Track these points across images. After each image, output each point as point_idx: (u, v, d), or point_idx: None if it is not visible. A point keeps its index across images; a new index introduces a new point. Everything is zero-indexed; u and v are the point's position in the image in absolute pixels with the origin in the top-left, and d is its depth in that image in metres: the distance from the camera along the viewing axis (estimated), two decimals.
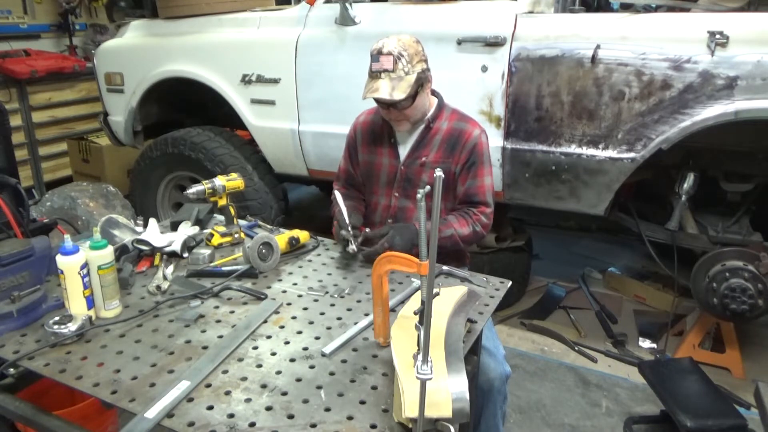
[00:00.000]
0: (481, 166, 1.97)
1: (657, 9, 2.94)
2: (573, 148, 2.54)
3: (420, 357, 1.01)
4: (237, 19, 3.36)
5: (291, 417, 1.16)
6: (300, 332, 1.48)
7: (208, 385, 1.26)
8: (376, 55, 1.83)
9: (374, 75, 1.85)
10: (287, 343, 1.43)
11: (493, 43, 2.59)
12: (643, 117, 2.38)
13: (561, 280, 3.64)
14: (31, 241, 1.61)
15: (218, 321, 1.53)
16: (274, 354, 1.38)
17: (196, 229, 2.05)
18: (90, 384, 1.26)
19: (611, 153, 2.47)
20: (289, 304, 1.62)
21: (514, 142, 2.65)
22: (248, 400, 1.21)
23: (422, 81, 1.87)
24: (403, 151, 2.03)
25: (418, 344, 1.12)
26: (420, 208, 1.15)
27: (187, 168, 3.48)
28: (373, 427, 1.14)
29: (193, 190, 1.98)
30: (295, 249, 1.96)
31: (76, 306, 1.48)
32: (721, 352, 2.85)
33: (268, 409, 1.19)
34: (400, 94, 1.81)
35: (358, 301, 1.64)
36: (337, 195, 1.97)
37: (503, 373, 1.85)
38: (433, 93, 2.05)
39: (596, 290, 3.55)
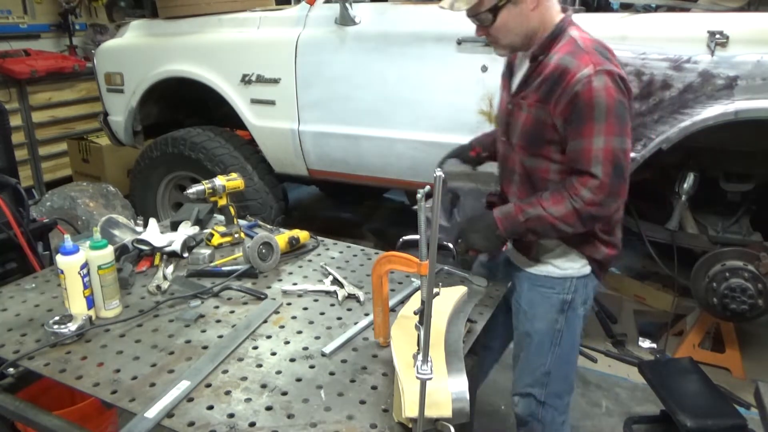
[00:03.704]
0: (588, 122, 1.43)
1: (657, 9, 2.93)
2: None
3: (420, 357, 1.01)
4: (237, 19, 3.36)
5: (291, 417, 1.17)
6: (300, 332, 1.48)
7: (208, 385, 1.26)
8: None
9: None
10: (287, 342, 1.43)
11: None
12: (643, 117, 2.38)
13: None
14: None
15: (218, 321, 1.53)
16: (274, 354, 1.38)
17: (196, 229, 2.05)
18: (90, 384, 1.26)
19: None
20: (289, 304, 1.62)
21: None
22: (248, 400, 1.21)
23: None
24: (514, 87, 1.65)
25: (418, 344, 1.12)
26: (420, 208, 1.15)
27: (187, 168, 3.48)
28: (373, 427, 1.14)
29: (193, 190, 1.98)
30: (295, 249, 1.96)
31: (76, 306, 1.48)
32: (721, 352, 2.85)
33: (268, 409, 1.19)
34: (462, 5, 1.47)
35: (358, 301, 1.64)
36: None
37: None
38: (564, 10, 1.57)
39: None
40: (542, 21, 1.52)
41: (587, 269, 1.67)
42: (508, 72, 1.71)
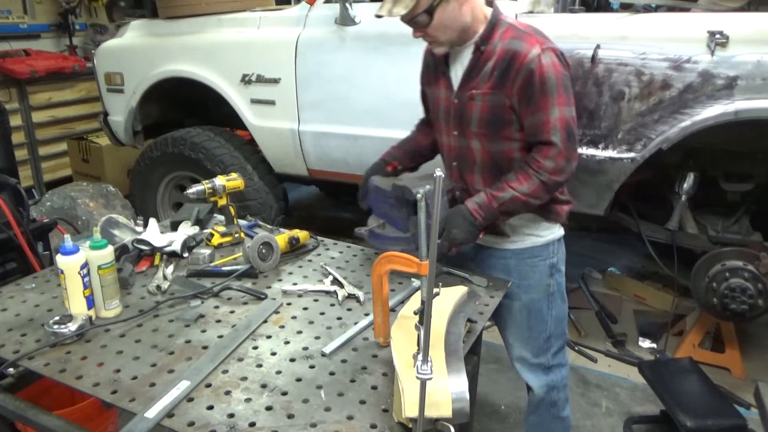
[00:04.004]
0: (543, 97, 1.55)
1: (657, 9, 2.93)
2: None
3: (420, 357, 1.01)
4: (237, 19, 3.36)
5: (291, 417, 1.17)
6: (300, 332, 1.48)
7: (208, 385, 1.26)
8: None
9: None
10: (287, 342, 1.43)
11: None
12: (643, 117, 2.38)
13: None
14: None
15: (218, 321, 1.53)
16: (274, 354, 1.38)
17: (196, 229, 2.05)
18: (90, 384, 1.26)
19: (611, 153, 2.47)
20: (289, 304, 1.62)
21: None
22: (248, 400, 1.21)
23: None
24: (456, 81, 1.70)
25: (418, 344, 1.12)
26: (420, 208, 1.15)
27: (187, 168, 3.48)
28: (373, 427, 1.14)
29: (193, 190, 1.98)
30: (295, 249, 1.96)
31: (76, 306, 1.48)
32: (721, 352, 2.85)
33: (268, 408, 1.19)
34: (401, 10, 1.51)
35: (358, 301, 1.64)
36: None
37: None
38: (489, 4, 1.67)
39: (596, 290, 3.55)
40: (474, 14, 1.61)
41: (561, 230, 1.86)
42: (440, 69, 1.74)
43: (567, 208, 1.83)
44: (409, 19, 1.56)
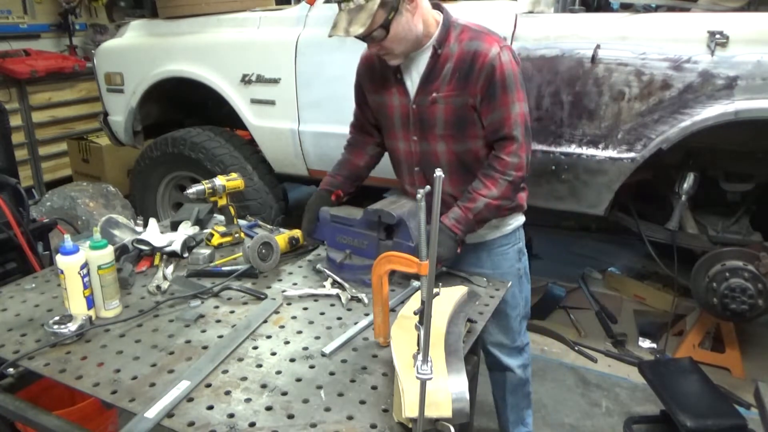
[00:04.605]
0: (504, 93, 1.61)
1: (657, 9, 2.94)
2: (573, 148, 2.53)
3: (420, 357, 1.01)
4: (237, 19, 3.36)
5: (291, 417, 1.16)
6: (300, 332, 1.48)
7: (208, 385, 1.26)
8: None
9: (338, 6, 1.57)
10: (287, 342, 1.43)
11: None
12: (643, 117, 2.38)
13: (561, 280, 3.63)
14: None
15: (218, 321, 1.53)
16: (274, 354, 1.38)
17: (196, 229, 2.05)
18: (90, 384, 1.26)
19: (611, 153, 2.47)
20: (289, 304, 1.62)
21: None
22: (248, 400, 1.21)
23: (394, 4, 1.53)
24: (412, 87, 1.72)
25: (418, 344, 1.12)
26: (420, 207, 1.15)
27: (187, 168, 3.48)
28: (373, 427, 1.14)
29: (193, 190, 1.98)
30: (295, 249, 1.96)
31: (76, 306, 1.48)
32: (721, 352, 2.85)
33: (268, 409, 1.19)
34: (357, 29, 1.52)
35: (358, 301, 1.64)
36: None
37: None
38: (437, 8, 1.70)
39: (596, 290, 3.55)
40: (425, 20, 1.64)
41: (523, 216, 1.95)
42: (390, 77, 1.75)
43: (525, 195, 1.92)
44: (365, 35, 1.57)
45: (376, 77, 1.81)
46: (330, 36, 1.60)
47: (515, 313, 1.97)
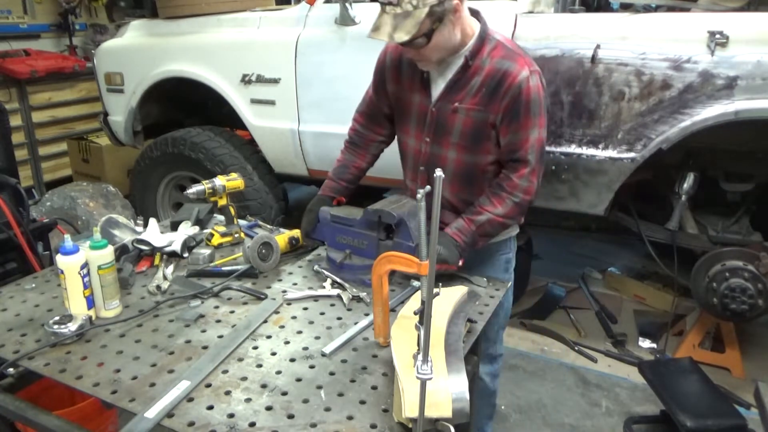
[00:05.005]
0: (527, 117, 1.61)
1: (657, 9, 2.94)
2: (573, 148, 2.53)
3: (420, 357, 1.01)
4: (237, 19, 3.36)
5: (291, 417, 1.16)
6: (300, 332, 1.48)
7: (208, 385, 1.26)
8: None
9: (381, 8, 1.53)
10: (287, 342, 1.43)
11: None
12: (643, 117, 2.38)
13: (561, 280, 3.63)
14: None
15: (218, 321, 1.53)
16: (274, 354, 1.38)
17: (196, 229, 2.05)
18: (90, 384, 1.26)
19: (611, 153, 2.47)
20: (289, 304, 1.62)
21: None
22: (248, 400, 1.21)
23: (440, 15, 1.52)
24: (436, 91, 1.71)
25: (418, 344, 1.12)
26: (420, 207, 1.15)
27: (187, 168, 3.48)
28: (373, 427, 1.14)
29: (193, 190, 1.98)
30: (295, 249, 1.96)
31: (76, 306, 1.48)
32: (721, 352, 2.85)
33: (268, 409, 1.19)
34: (402, 36, 1.49)
35: (359, 301, 1.64)
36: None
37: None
38: (475, 14, 1.68)
39: (596, 290, 3.55)
40: (464, 31, 1.63)
41: (517, 227, 1.96)
42: (416, 73, 1.73)
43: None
44: (408, 43, 1.55)
45: (402, 70, 1.78)
46: (370, 37, 1.56)
47: (495, 321, 1.96)
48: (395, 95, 1.83)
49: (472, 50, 1.63)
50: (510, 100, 1.60)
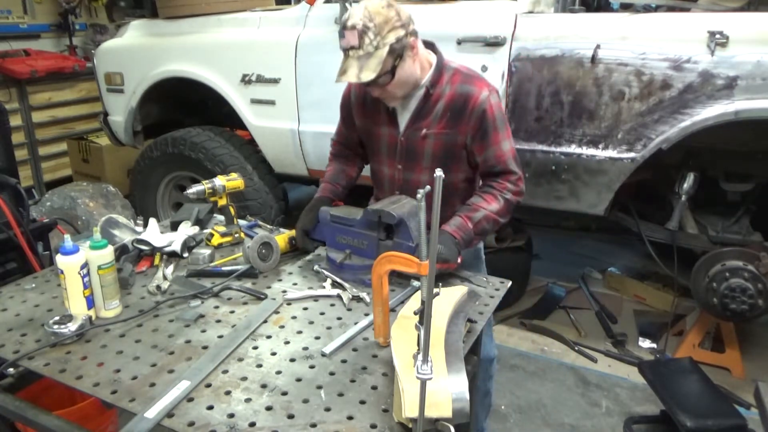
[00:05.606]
0: (495, 132, 1.74)
1: (657, 9, 2.94)
2: (573, 148, 2.53)
3: (420, 357, 1.01)
4: (237, 19, 3.36)
5: (291, 417, 1.16)
6: (300, 332, 1.48)
7: (208, 385, 1.26)
8: (341, 30, 1.61)
9: (344, 53, 1.63)
10: (287, 342, 1.43)
11: (493, 43, 2.59)
12: (643, 117, 2.38)
13: (561, 280, 3.64)
14: None
15: (218, 321, 1.53)
16: (274, 354, 1.38)
17: (196, 229, 2.05)
18: (90, 384, 1.26)
19: (611, 153, 2.47)
20: (289, 304, 1.62)
21: (514, 142, 2.64)
22: (248, 400, 1.21)
23: (399, 51, 1.63)
24: (403, 121, 1.82)
25: (418, 344, 1.12)
26: (420, 207, 1.15)
27: (187, 168, 3.48)
28: (373, 427, 1.14)
29: (193, 190, 1.98)
30: (295, 249, 1.96)
31: (76, 306, 1.48)
32: (721, 352, 2.85)
33: (268, 409, 1.19)
34: (369, 74, 1.60)
35: (359, 300, 1.64)
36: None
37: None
38: (429, 47, 1.80)
39: (596, 290, 3.55)
40: (422, 64, 1.74)
41: None
42: (381, 107, 1.83)
43: None
44: (374, 80, 1.63)
45: (367, 103, 1.88)
46: (337, 81, 1.67)
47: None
48: (363, 128, 1.93)
49: (432, 80, 1.75)
50: (477, 120, 1.72)
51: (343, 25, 1.61)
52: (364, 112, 1.90)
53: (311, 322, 1.53)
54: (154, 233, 1.91)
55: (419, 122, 1.79)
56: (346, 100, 1.96)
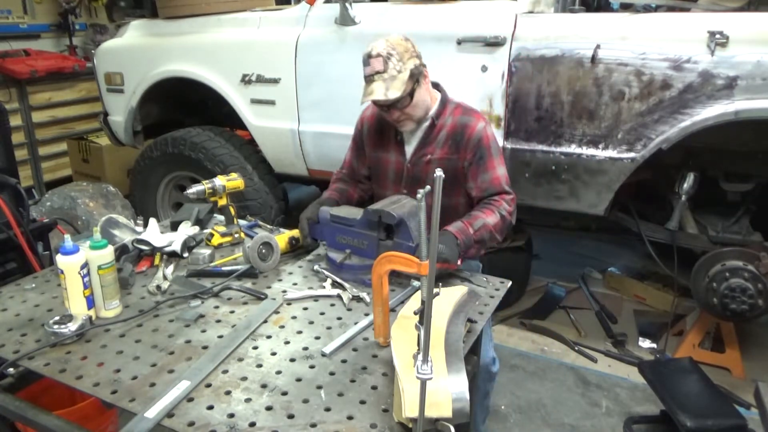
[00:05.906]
0: (490, 159, 1.93)
1: (657, 9, 2.94)
2: (573, 148, 2.53)
3: (420, 357, 1.01)
4: (237, 19, 3.36)
5: (291, 417, 1.17)
6: (300, 332, 1.48)
7: (208, 385, 1.26)
8: (367, 59, 1.83)
9: (368, 79, 1.84)
10: (287, 342, 1.43)
11: (493, 43, 2.59)
12: (643, 117, 2.38)
13: (561, 280, 3.63)
14: None
15: (218, 321, 1.53)
16: (274, 354, 1.38)
17: (196, 229, 2.05)
18: (90, 384, 1.26)
19: (611, 153, 2.47)
20: (289, 304, 1.62)
21: (514, 142, 2.65)
22: (248, 400, 1.21)
23: (417, 76, 1.85)
24: (409, 149, 2.02)
25: (418, 344, 1.12)
26: (420, 207, 1.15)
27: (187, 168, 3.48)
28: (373, 427, 1.14)
29: (193, 190, 1.98)
30: (295, 249, 1.96)
31: (76, 306, 1.48)
32: (721, 352, 2.85)
33: (268, 408, 1.19)
34: (395, 93, 1.80)
35: (359, 300, 1.64)
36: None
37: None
38: (436, 87, 2.03)
39: (596, 290, 3.55)
40: (431, 94, 1.98)
41: None
42: (392, 136, 2.04)
43: None
44: (400, 98, 1.82)
45: (379, 135, 2.08)
46: (363, 102, 1.87)
47: None
48: (373, 157, 2.11)
49: (437, 112, 1.97)
50: (474, 146, 1.92)
51: (367, 54, 1.82)
52: (375, 141, 2.09)
53: (311, 322, 1.53)
54: (154, 233, 1.91)
55: (424, 149, 1.98)
56: (358, 132, 2.15)
